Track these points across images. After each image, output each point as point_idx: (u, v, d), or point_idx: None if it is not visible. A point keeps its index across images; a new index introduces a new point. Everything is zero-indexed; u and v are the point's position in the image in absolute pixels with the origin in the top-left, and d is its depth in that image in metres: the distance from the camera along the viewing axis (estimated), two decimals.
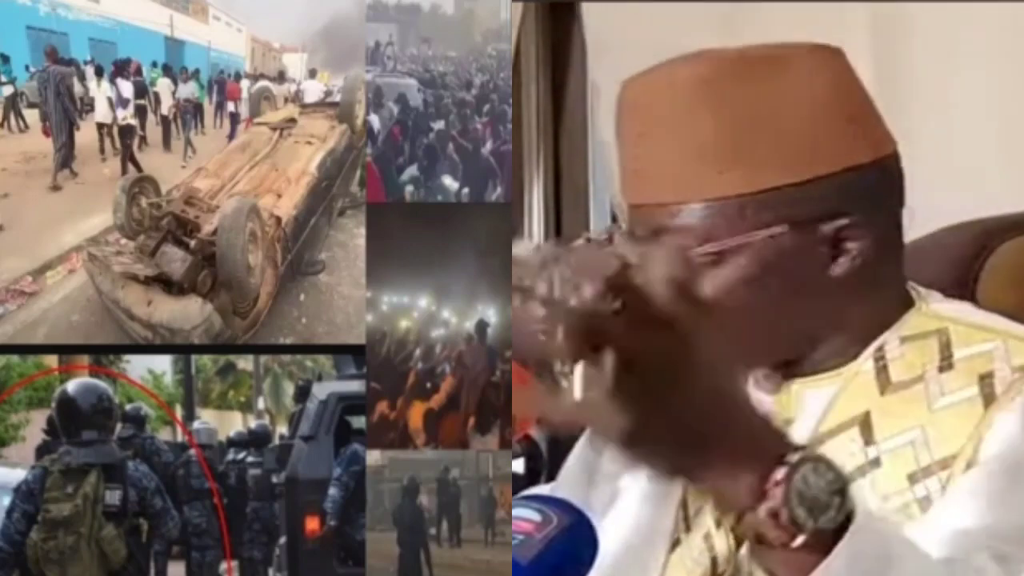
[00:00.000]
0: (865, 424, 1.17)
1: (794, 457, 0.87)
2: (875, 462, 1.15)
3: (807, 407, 1.22)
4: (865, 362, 1.20)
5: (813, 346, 1.20)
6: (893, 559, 0.92)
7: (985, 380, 1.13)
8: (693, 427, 0.83)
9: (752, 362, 1.20)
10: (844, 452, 1.16)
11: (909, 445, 1.14)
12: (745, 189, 1.12)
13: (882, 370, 1.19)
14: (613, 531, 1.30)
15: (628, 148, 1.18)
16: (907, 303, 1.23)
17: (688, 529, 1.27)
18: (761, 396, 1.27)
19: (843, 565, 0.87)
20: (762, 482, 0.86)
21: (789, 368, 1.23)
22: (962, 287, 1.36)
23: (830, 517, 0.87)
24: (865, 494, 1.11)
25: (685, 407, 0.83)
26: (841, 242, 1.15)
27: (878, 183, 1.17)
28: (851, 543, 0.87)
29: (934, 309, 1.22)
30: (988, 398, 1.12)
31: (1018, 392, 1.11)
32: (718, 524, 1.24)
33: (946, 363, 1.16)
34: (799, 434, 1.19)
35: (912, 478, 1.13)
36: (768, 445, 0.88)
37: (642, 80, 1.17)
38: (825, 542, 0.87)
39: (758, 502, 0.86)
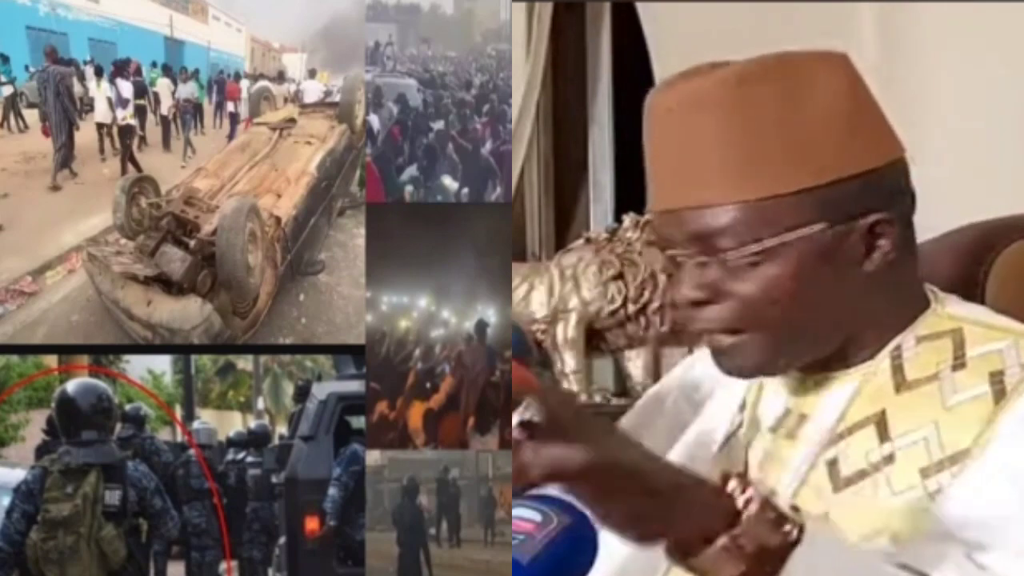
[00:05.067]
0: (881, 423, 1.21)
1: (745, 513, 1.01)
2: (889, 458, 1.19)
3: (824, 405, 1.25)
4: (882, 361, 1.24)
5: (842, 344, 1.23)
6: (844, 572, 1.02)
7: (995, 377, 1.17)
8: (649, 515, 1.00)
9: (792, 362, 1.23)
10: (861, 450, 1.20)
11: (922, 441, 1.18)
12: (782, 189, 1.16)
13: (898, 369, 1.23)
14: None
15: (665, 155, 1.20)
16: (924, 304, 1.26)
17: None
18: (778, 392, 1.28)
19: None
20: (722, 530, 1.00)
21: (809, 366, 1.26)
22: (969, 289, 1.37)
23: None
24: (879, 489, 1.17)
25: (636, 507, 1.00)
26: (874, 238, 1.19)
27: (895, 184, 1.21)
28: (805, 553, 0.99)
29: (950, 311, 1.26)
30: (998, 395, 1.16)
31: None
32: None
33: (959, 362, 1.20)
34: (814, 431, 1.24)
35: (924, 472, 1.16)
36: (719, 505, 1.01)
37: (674, 89, 1.20)
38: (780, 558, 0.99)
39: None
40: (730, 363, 1.23)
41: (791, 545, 0.99)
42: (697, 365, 1.42)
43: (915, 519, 1.15)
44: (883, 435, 1.20)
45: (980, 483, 1.13)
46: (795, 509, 1.00)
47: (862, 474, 1.19)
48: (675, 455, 1.35)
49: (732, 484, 1.01)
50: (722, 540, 0.99)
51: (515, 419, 0.98)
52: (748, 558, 0.99)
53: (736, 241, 1.16)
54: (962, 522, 1.11)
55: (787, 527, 1.00)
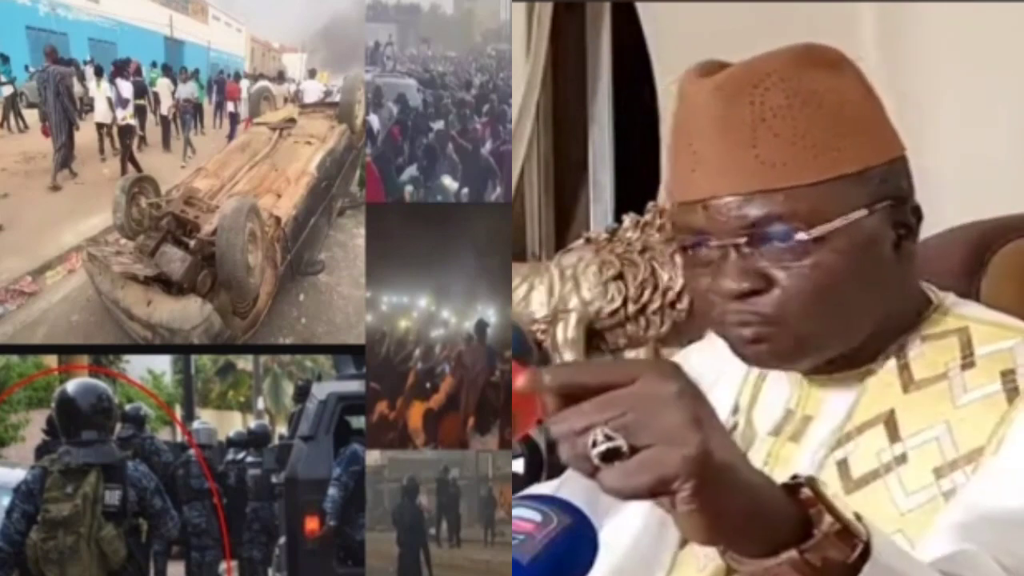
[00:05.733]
0: (890, 422, 1.20)
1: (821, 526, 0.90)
2: (901, 458, 1.18)
3: (829, 406, 1.24)
4: (887, 360, 1.23)
5: (862, 336, 1.21)
6: None
7: (1007, 377, 1.16)
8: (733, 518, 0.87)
9: (820, 357, 1.21)
10: (871, 450, 1.19)
11: (934, 441, 1.16)
12: (843, 170, 1.14)
13: (904, 368, 1.22)
14: (621, 530, 1.30)
15: (714, 139, 1.16)
16: (925, 302, 1.26)
17: None
18: (777, 394, 1.28)
19: None
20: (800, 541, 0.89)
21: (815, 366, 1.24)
22: (965, 288, 1.37)
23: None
24: (892, 490, 1.16)
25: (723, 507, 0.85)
26: (905, 225, 1.19)
27: (909, 175, 1.22)
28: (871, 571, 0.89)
29: (953, 309, 1.25)
30: (1011, 394, 1.15)
31: None
32: None
33: (968, 360, 1.19)
34: (820, 432, 1.23)
35: (938, 472, 1.15)
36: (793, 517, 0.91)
37: (722, 74, 1.17)
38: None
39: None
40: (758, 350, 1.19)
41: (858, 560, 0.90)
42: (692, 359, 1.41)
43: (930, 521, 1.13)
44: (893, 435, 1.19)
45: (998, 482, 1.11)
46: (858, 518, 0.92)
47: (874, 474, 1.18)
48: None
49: (806, 492, 0.91)
50: (790, 553, 0.89)
51: (594, 453, 0.84)
52: (815, 573, 0.89)
53: (792, 226, 1.14)
54: (979, 522, 1.09)
55: (855, 541, 0.91)
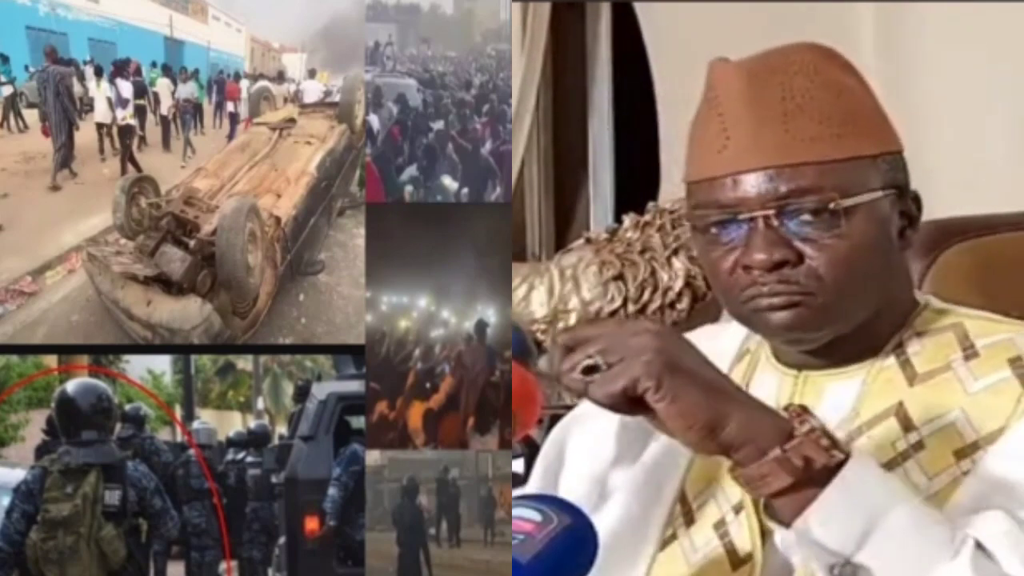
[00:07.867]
0: (900, 414, 1.23)
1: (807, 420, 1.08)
2: (918, 445, 1.21)
3: (828, 400, 1.26)
4: (886, 358, 1.26)
5: (854, 332, 1.24)
6: (887, 499, 1.07)
7: (1016, 363, 1.21)
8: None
9: (849, 323, 1.24)
10: (885, 441, 1.22)
11: (951, 425, 1.20)
12: (867, 151, 1.21)
13: (905, 363, 1.26)
14: (601, 526, 1.30)
15: (749, 117, 1.21)
16: (913, 302, 1.30)
17: (691, 523, 1.28)
18: (767, 390, 1.28)
19: (840, 494, 1.05)
20: (788, 431, 1.07)
21: (811, 360, 1.27)
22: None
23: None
24: (912, 476, 1.19)
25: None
26: (909, 215, 1.26)
27: (907, 169, 1.27)
28: (850, 474, 1.06)
29: (943, 308, 1.30)
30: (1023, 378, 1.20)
31: None
32: (737, 511, 1.25)
33: (970, 352, 1.24)
34: None
35: (959, 454, 1.19)
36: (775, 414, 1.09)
37: (751, 63, 1.24)
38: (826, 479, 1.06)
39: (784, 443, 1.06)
40: (788, 314, 1.22)
41: (836, 467, 1.06)
42: None
43: (951, 499, 1.17)
44: (907, 425, 1.22)
45: (1013, 451, 1.16)
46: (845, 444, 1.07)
47: (891, 464, 1.20)
48: (652, 451, 1.34)
49: (793, 408, 1.09)
50: (774, 452, 1.05)
51: (577, 369, 1.07)
52: (796, 471, 1.05)
53: (823, 198, 1.19)
54: (993, 489, 1.14)
55: (835, 452, 1.06)
